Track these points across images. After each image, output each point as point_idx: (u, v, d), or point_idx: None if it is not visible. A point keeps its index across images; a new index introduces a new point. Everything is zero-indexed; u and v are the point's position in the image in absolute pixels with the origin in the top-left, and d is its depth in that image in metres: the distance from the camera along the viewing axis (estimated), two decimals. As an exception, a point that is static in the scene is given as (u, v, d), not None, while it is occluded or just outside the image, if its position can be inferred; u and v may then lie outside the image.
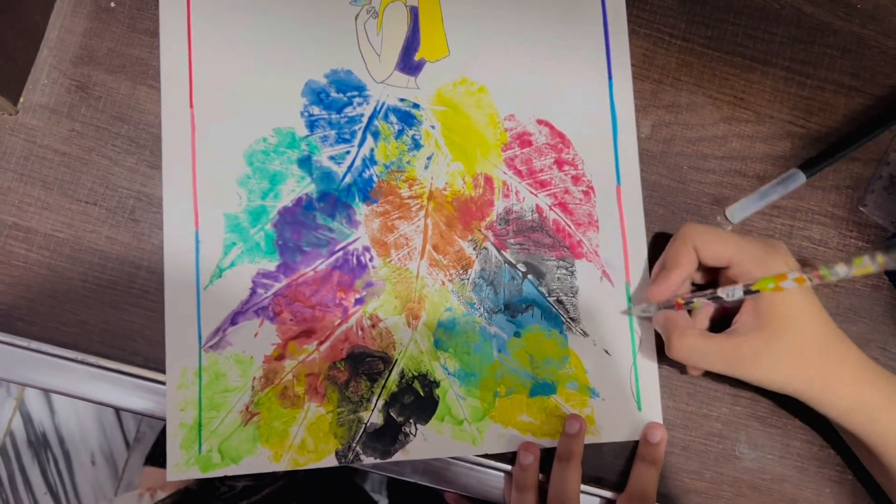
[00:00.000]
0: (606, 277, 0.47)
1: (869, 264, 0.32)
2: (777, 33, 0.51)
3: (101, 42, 0.47)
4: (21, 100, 0.46)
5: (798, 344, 0.41)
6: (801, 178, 0.48)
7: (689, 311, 0.45)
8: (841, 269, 0.34)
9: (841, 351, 0.42)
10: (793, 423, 0.48)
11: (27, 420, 1.24)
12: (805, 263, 0.49)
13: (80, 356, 0.44)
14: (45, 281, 0.45)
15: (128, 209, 0.46)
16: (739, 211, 0.48)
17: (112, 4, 0.47)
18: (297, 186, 0.46)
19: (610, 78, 0.49)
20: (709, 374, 0.47)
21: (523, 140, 0.48)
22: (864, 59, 0.51)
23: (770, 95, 0.50)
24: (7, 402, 1.23)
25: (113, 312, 0.45)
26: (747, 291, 0.39)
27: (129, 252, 0.45)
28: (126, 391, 0.44)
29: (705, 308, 0.45)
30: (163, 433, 1.20)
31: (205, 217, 0.45)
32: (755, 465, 0.47)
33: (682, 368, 0.47)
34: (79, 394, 0.44)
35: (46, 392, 0.46)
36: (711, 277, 0.46)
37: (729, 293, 0.40)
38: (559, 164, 0.48)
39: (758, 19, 0.51)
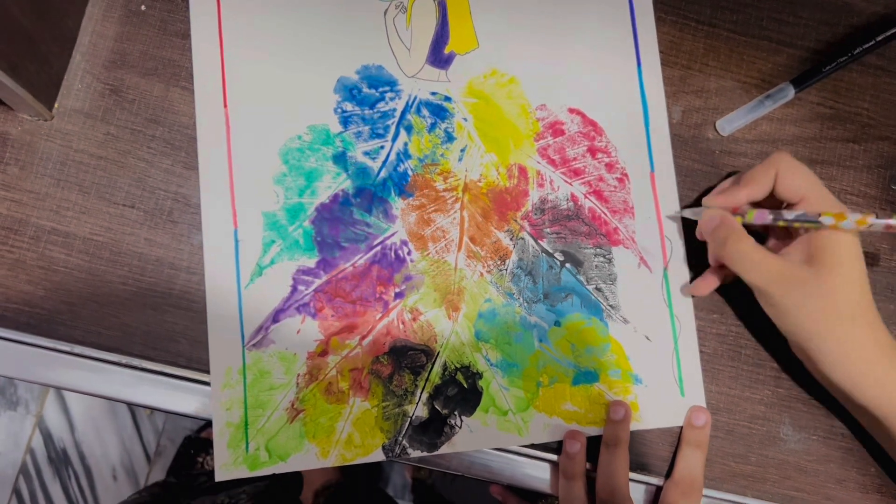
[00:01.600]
0: (644, 263, 0.47)
1: None
2: (802, 16, 0.51)
3: (133, 45, 0.47)
4: (56, 105, 0.46)
5: (836, 291, 0.40)
6: (791, 91, 0.49)
7: None
8: None
9: (870, 320, 0.42)
10: (835, 403, 0.47)
11: (47, 437, 1.24)
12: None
13: (124, 359, 0.44)
14: (86, 285, 0.45)
15: (166, 211, 0.46)
16: (729, 123, 0.49)
17: (143, 8, 0.48)
18: (332, 183, 0.46)
19: (639, 65, 0.49)
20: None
21: (555, 129, 0.48)
22: (890, 40, 0.51)
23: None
24: (27, 419, 1.23)
25: (154, 314, 0.45)
26: (806, 219, 0.40)
27: (168, 253, 0.45)
28: (170, 393, 0.44)
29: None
30: (183, 446, 1.20)
31: (243, 216, 0.45)
32: (800, 447, 0.47)
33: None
34: (122, 397, 0.44)
35: (90, 396, 0.45)
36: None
37: (788, 213, 0.41)
38: (592, 151, 0.48)
39: (782, 3, 0.51)
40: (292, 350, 0.44)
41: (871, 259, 0.49)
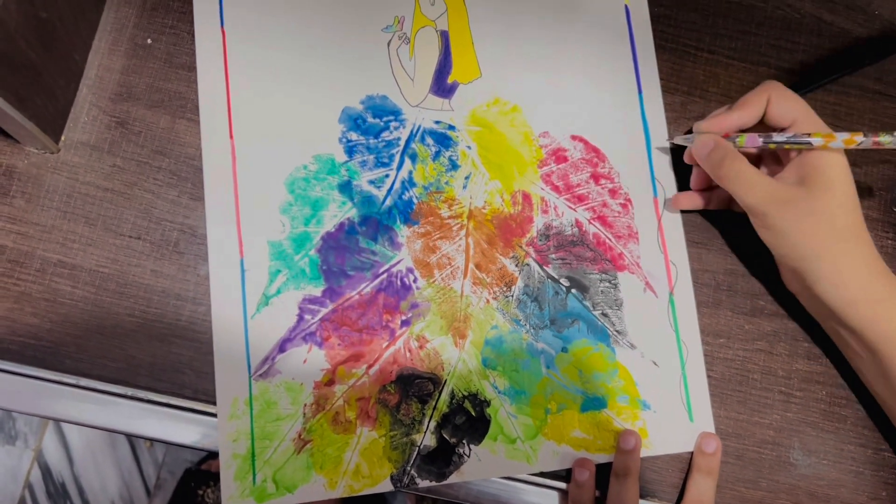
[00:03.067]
0: (650, 288, 0.47)
1: None
2: (800, 42, 0.52)
3: (139, 78, 0.48)
4: (62, 138, 0.47)
5: (830, 210, 0.41)
6: None
7: None
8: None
9: (862, 239, 0.42)
10: (844, 426, 0.47)
11: (46, 471, 1.22)
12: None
13: (129, 391, 0.44)
14: (92, 317, 0.44)
15: (172, 242, 0.46)
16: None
17: (149, 41, 0.48)
18: (338, 211, 0.46)
19: (640, 91, 0.50)
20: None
21: (559, 156, 0.48)
22: (885, 63, 0.52)
23: None
24: (25, 454, 1.22)
25: (160, 346, 0.44)
26: (796, 141, 0.41)
27: (174, 284, 0.45)
28: (176, 425, 0.44)
29: None
30: (184, 478, 1.18)
31: (249, 246, 0.45)
32: (811, 472, 0.47)
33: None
34: (128, 430, 0.44)
35: (97, 429, 0.45)
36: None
37: (778, 136, 0.42)
38: (595, 178, 0.48)
39: (780, 29, 0.52)
40: (299, 380, 0.44)
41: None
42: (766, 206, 0.42)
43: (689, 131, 0.47)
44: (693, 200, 0.48)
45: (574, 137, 0.49)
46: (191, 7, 0.48)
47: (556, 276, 0.47)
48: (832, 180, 0.41)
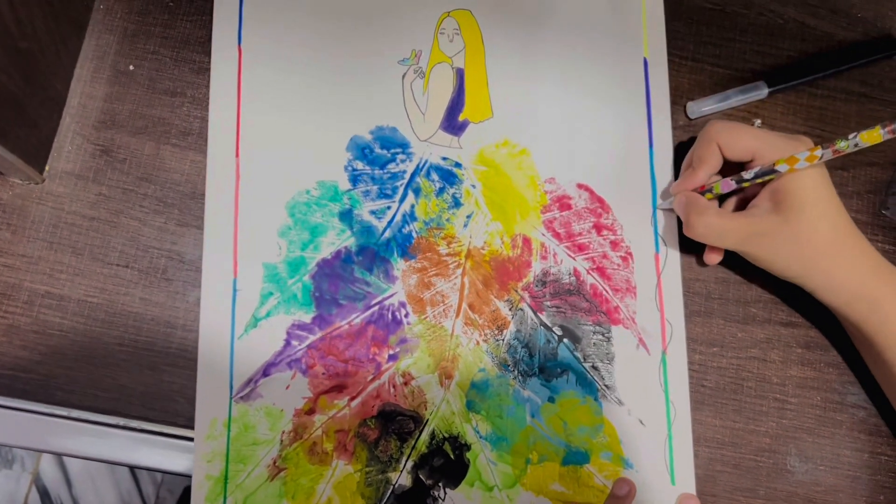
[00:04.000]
0: (643, 345, 0.47)
1: (880, 133, 0.38)
2: (783, 47, 0.53)
3: (122, 105, 0.48)
4: (47, 168, 0.46)
5: (808, 230, 0.42)
6: (764, 90, 0.50)
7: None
8: (853, 139, 0.39)
9: (851, 242, 0.43)
10: (840, 431, 0.48)
11: (44, 494, 1.20)
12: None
13: (122, 421, 0.44)
14: (82, 348, 0.44)
15: (160, 269, 0.46)
16: (697, 107, 0.50)
17: (131, 67, 0.48)
18: (336, 239, 0.46)
19: (651, 146, 0.49)
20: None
21: (563, 203, 0.48)
22: (870, 66, 0.53)
23: (783, 108, 0.52)
24: (23, 476, 1.20)
25: (152, 374, 0.44)
26: (763, 173, 0.42)
27: (164, 312, 0.45)
28: (169, 453, 0.44)
29: (728, 202, 0.47)
30: (183, 497, 1.17)
31: (244, 265, 0.45)
32: (808, 478, 0.47)
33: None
34: (123, 460, 0.43)
35: (90, 461, 0.45)
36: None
37: (747, 174, 0.43)
38: (598, 228, 0.48)
39: (764, 35, 0.53)
40: (279, 406, 0.44)
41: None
42: (743, 247, 0.44)
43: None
44: (718, 252, 0.48)
45: (580, 186, 0.48)
46: (172, 32, 0.49)
47: (550, 324, 0.46)
48: (803, 200, 0.42)
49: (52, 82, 0.46)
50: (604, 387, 0.46)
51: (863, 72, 0.53)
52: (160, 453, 0.43)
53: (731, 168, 0.45)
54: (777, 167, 0.42)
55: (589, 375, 0.46)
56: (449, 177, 0.48)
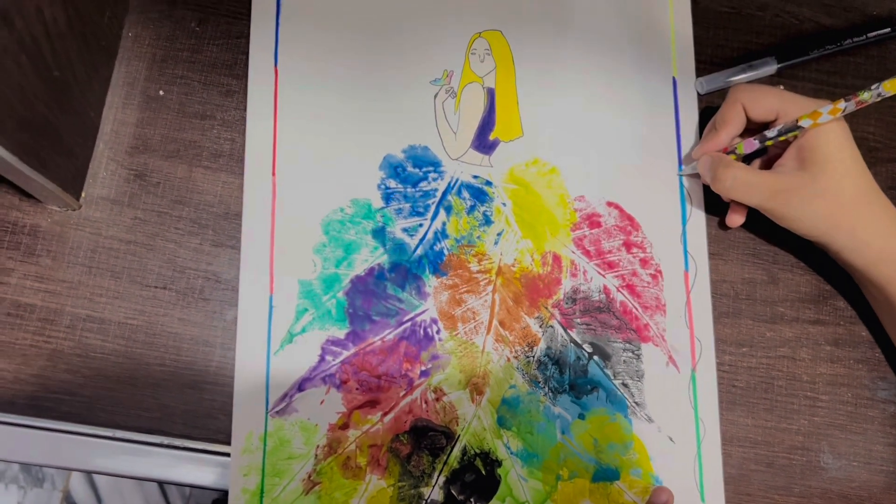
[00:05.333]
0: (672, 363, 0.47)
1: None
2: (831, 72, 0.53)
3: (153, 130, 0.49)
4: (83, 194, 0.47)
5: (834, 186, 0.42)
6: (774, 65, 0.51)
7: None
8: (876, 89, 0.40)
9: (874, 201, 0.43)
10: (872, 427, 0.48)
11: None
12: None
13: (165, 440, 0.44)
14: (123, 369, 0.45)
15: (197, 289, 0.47)
16: (707, 83, 0.51)
17: (161, 92, 0.49)
18: (370, 256, 0.47)
19: (680, 165, 0.50)
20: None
21: (592, 221, 0.49)
22: (887, 62, 0.54)
23: (792, 84, 0.52)
24: (53, 495, 1.21)
25: (192, 393, 0.45)
26: (787, 130, 0.43)
27: (202, 331, 0.46)
28: (213, 470, 0.44)
29: (753, 164, 0.48)
30: None
31: (280, 282, 0.46)
32: (841, 475, 0.47)
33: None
34: (166, 478, 0.44)
35: (137, 480, 0.46)
36: None
37: (770, 132, 0.44)
38: (627, 246, 0.48)
39: (780, 36, 0.53)
40: (314, 420, 0.44)
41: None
42: (768, 203, 0.44)
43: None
44: (739, 215, 0.48)
45: (610, 204, 0.49)
46: (199, 56, 0.50)
47: (580, 341, 0.47)
48: (829, 156, 0.42)
49: (86, 110, 0.47)
50: (634, 404, 0.46)
51: (879, 67, 0.54)
52: (200, 470, 0.44)
53: (753, 133, 0.46)
54: (800, 122, 0.42)
55: (619, 392, 0.46)
56: (480, 195, 0.49)
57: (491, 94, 0.50)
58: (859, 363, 0.49)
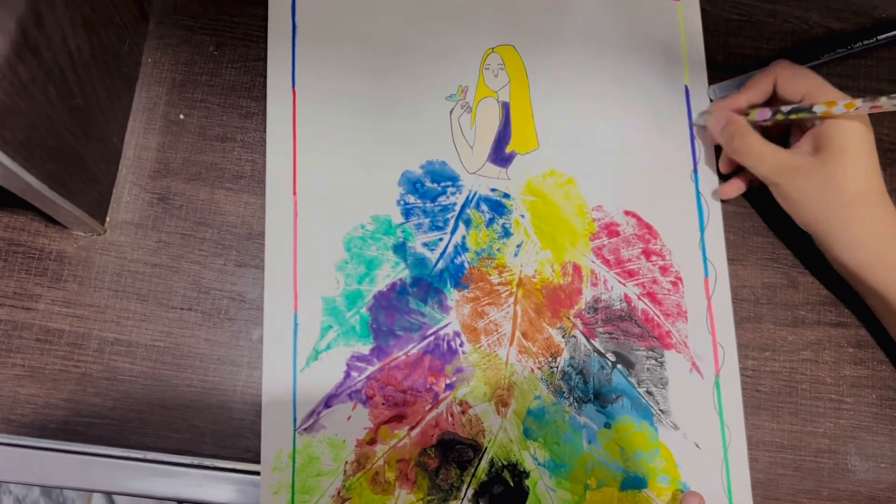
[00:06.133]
0: (696, 369, 0.47)
1: None
2: (841, 75, 0.54)
3: (175, 154, 0.50)
4: (107, 219, 0.48)
5: (841, 177, 0.43)
6: None
7: None
8: (893, 98, 0.40)
9: (878, 202, 0.44)
10: None
11: None
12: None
13: (195, 460, 0.45)
14: (152, 391, 0.46)
15: (222, 310, 0.47)
16: (719, 90, 0.52)
17: (181, 116, 0.50)
18: (391, 272, 0.47)
19: (695, 171, 0.50)
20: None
21: (611, 230, 0.49)
22: (892, 47, 0.54)
23: None
24: None
25: (221, 412, 0.45)
26: (800, 109, 0.44)
27: (229, 351, 0.46)
28: (243, 490, 0.45)
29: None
30: None
31: (304, 300, 0.46)
32: (869, 476, 0.47)
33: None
34: (197, 499, 0.44)
35: (168, 501, 0.46)
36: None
37: (784, 108, 0.45)
38: (647, 254, 0.49)
39: (791, 41, 0.54)
40: (342, 436, 0.45)
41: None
42: (777, 176, 0.44)
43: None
44: (736, 186, 0.49)
45: (627, 213, 0.49)
46: (217, 80, 0.51)
47: (603, 350, 0.47)
48: (844, 147, 0.43)
49: (109, 136, 0.48)
50: (659, 411, 0.46)
51: (891, 70, 0.54)
52: (231, 489, 0.45)
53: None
54: (815, 108, 0.43)
55: (644, 400, 0.46)
56: (498, 207, 0.49)
57: (506, 107, 0.51)
58: (882, 364, 0.49)
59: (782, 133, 0.49)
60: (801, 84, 0.45)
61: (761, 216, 0.51)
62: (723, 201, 0.50)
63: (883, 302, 0.45)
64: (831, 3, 0.55)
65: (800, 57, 0.52)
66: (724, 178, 0.51)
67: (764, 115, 0.46)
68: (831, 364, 0.49)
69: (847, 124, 0.43)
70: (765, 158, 0.45)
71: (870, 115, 0.43)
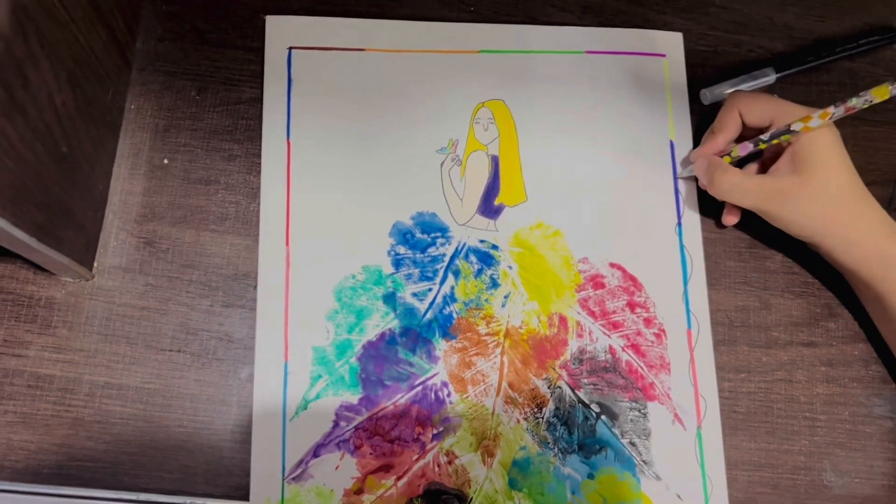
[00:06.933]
0: (678, 421, 0.48)
1: (889, 89, 0.41)
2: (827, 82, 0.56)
3: (160, 198, 0.50)
4: (95, 264, 0.49)
5: (826, 189, 0.45)
6: (772, 75, 0.54)
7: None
8: (864, 96, 0.42)
9: (863, 201, 0.46)
10: (871, 443, 0.49)
11: None
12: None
13: (189, 500, 0.45)
14: (144, 433, 0.46)
15: (211, 350, 0.48)
16: (710, 94, 0.54)
17: (165, 161, 0.51)
18: (381, 321, 0.48)
19: (679, 225, 0.51)
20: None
21: (596, 282, 0.50)
22: (874, 52, 0.57)
23: (791, 93, 0.54)
24: None
25: (212, 452, 0.46)
26: (780, 133, 0.45)
27: (218, 391, 0.47)
28: None
29: (748, 167, 0.50)
30: None
31: (294, 349, 0.47)
32: (845, 492, 0.48)
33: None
34: None
35: None
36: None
37: (763, 136, 0.46)
38: (631, 306, 0.50)
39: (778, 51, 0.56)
40: (329, 486, 0.45)
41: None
42: (763, 205, 0.46)
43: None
44: (735, 213, 0.51)
45: (612, 265, 0.50)
46: (200, 124, 0.51)
47: (587, 401, 0.48)
48: (820, 160, 0.45)
49: (95, 184, 0.48)
50: (641, 462, 0.47)
51: (868, 57, 0.56)
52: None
53: (747, 139, 0.48)
54: (793, 127, 0.45)
55: (627, 451, 0.47)
56: (486, 258, 0.50)
57: (495, 161, 0.52)
58: (854, 382, 0.50)
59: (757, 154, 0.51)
60: (763, 109, 0.47)
61: (732, 242, 0.52)
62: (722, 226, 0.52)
63: (878, 298, 0.46)
64: (794, 32, 0.57)
65: (787, 63, 0.55)
66: (707, 212, 0.52)
67: (746, 148, 0.48)
68: (804, 383, 0.50)
69: (820, 137, 0.45)
70: (748, 191, 0.46)
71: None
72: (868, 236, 0.45)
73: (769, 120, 0.47)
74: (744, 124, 0.49)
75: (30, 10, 0.37)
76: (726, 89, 0.53)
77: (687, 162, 0.52)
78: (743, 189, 0.46)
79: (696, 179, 0.51)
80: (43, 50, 0.38)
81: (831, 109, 0.43)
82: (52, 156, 0.41)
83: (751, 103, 0.48)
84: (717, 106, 0.52)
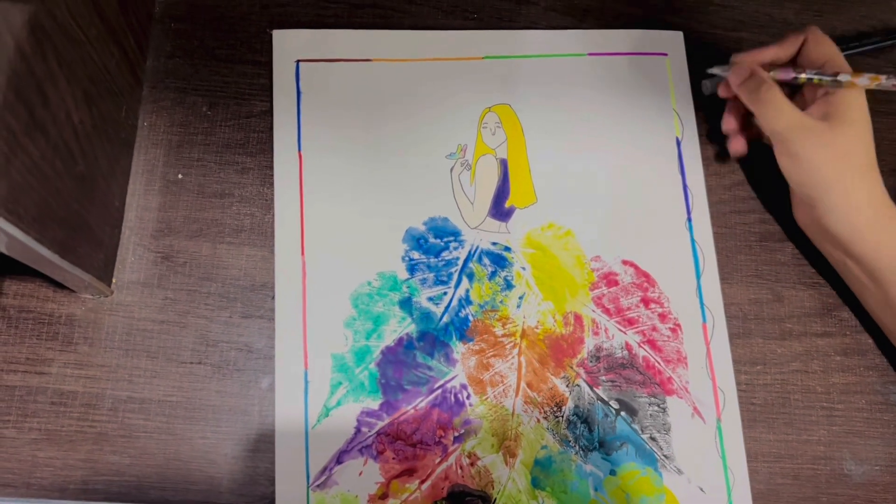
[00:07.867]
0: (698, 414, 0.48)
1: None
2: None
3: (175, 212, 0.51)
4: (114, 280, 0.49)
5: (846, 144, 0.45)
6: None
7: None
8: None
9: (873, 176, 0.46)
10: (889, 430, 0.49)
11: None
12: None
13: None
14: (168, 445, 0.46)
15: (231, 361, 0.48)
16: (710, 84, 0.54)
17: (179, 176, 0.51)
18: (398, 327, 0.49)
19: (689, 220, 0.52)
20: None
21: (610, 280, 0.50)
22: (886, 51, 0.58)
23: None
24: None
25: (236, 461, 0.46)
26: (823, 74, 0.46)
27: (239, 401, 0.47)
28: None
29: None
30: None
31: (313, 358, 0.47)
32: (865, 480, 0.48)
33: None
34: None
35: None
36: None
37: (807, 72, 0.47)
38: (645, 302, 0.50)
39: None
40: (354, 492, 0.45)
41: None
42: (790, 133, 0.46)
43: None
44: (742, 142, 0.51)
45: (625, 262, 0.51)
46: (212, 138, 0.52)
47: (606, 398, 0.48)
48: (853, 118, 0.45)
49: (112, 200, 0.49)
50: (663, 457, 0.47)
51: (867, 54, 0.57)
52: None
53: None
54: (840, 77, 0.45)
55: (647, 446, 0.48)
56: (499, 260, 0.50)
57: (504, 164, 0.52)
58: (869, 370, 0.51)
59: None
60: (826, 51, 0.47)
61: (743, 236, 0.53)
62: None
63: (868, 271, 0.46)
64: (793, 28, 0.57)
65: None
66: (716, 207, 0.53)
67: (787, 74, 0.47)
68: (820, 373, 0.50)
69: (859, 99, 0.46)
70: (783, 114, 0.46)
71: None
72: (870, 206, 0.46)
73: (822, 62, 0.47)
74: (799, 56, 0.49)
75: (48, 29, 0.38)
76: (725, 72, 0.53)
77: (724, 66, 0.51)
78: (781, 109, 0.46)
79: (718, 80, 0.51)
80: (61, 69, 0.39)
81: (883, 78, 0.45)
82: (70, 173, 0.42)
83: (822, 39, 0.48)
84: (717, 98, 0.52)
